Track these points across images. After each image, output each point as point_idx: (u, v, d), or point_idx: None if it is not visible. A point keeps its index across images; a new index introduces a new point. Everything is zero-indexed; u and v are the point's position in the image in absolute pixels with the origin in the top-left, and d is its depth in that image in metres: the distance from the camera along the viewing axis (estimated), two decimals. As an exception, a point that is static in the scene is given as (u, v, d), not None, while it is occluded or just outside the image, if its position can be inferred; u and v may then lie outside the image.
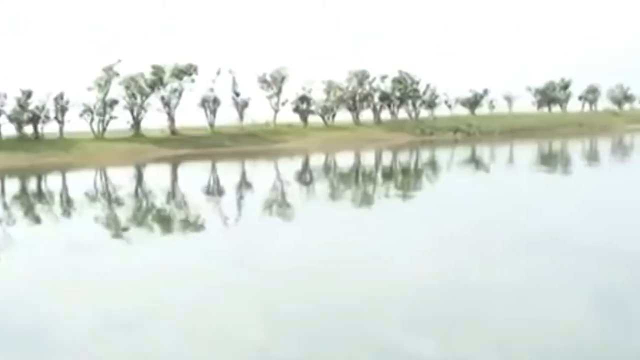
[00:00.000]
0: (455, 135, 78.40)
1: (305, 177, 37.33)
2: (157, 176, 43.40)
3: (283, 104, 78.51)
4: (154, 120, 70.92)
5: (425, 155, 53.26)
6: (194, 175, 42.86)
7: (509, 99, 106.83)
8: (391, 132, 77.45)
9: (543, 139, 68.90)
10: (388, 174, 37.88)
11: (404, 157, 51.50)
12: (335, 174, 38.73)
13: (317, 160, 50.74)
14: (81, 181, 41.07)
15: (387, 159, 51.64)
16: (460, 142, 68.68)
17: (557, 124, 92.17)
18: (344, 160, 50.77)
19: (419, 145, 63.97)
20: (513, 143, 64.08)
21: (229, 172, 43.65)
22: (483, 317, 9.97)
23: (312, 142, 67.43)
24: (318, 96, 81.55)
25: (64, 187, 38.24)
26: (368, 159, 51.94)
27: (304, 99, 79.76)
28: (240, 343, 9.25)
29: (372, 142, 68.40)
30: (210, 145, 64.05)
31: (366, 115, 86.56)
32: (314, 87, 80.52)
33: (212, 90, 72.70)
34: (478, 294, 11.10)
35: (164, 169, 48.97)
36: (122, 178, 41.31)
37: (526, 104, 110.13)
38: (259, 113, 78.28)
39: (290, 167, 46.50)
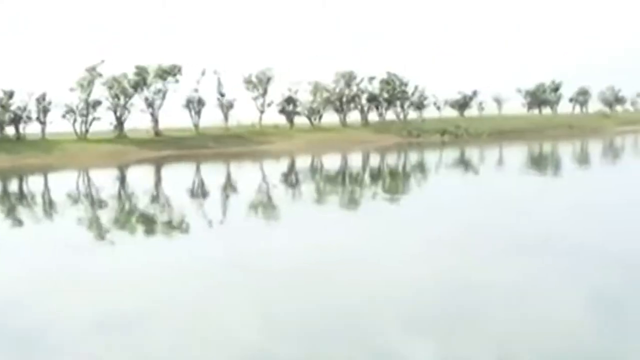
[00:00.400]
0: (443, 137, 79.09)
1: (288, 179, 37.60)
2: (136, 178, 43.62)
3: (269, 105, 79.25)
4: (139, 121, 71.58)
5: (410, 157, 53.69)
6: (174, 178, 43.18)
7: (498, 101, 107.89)
8: (378, 133, 78.13)
9: (532, 141, 69.55)
10: (372, 177, 38.24)
11: (389, 159, 51.94)
12: (318, 177, 38.95)
13: (301, 162, 51.07)
14: (61, 183, 41.31)
15: (372, 161, 52.16)
16: (448, 144, 69.21)
17: (547, 126, 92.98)
18: (329, 162, 51.35)
19: (406, 147, 64.56)
20: (501, 145, 64.66)
21: (210, 174, 43.90)
22: (465, 318, 10.17)
23: (297, 144, 68.01)
24: (305, 97, 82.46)
25: (46, 189, 38.40)
26: (353, 161, 52.40)
27: (290, 100, 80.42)
28: (223, 343, 9.50)
29: (358, 143, 69.14)
30: (194, 146, 64.49)
31: (353, 116, 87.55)
32: (300, 88, 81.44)
33: (196, 91, 73.32)
34: (459, 296, 11.34)
35: (145, 171, 49.26)
36: (101, 180, 41.57)
37: (516, 106, 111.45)
38: (245, 114, 79.12)
39: (273, 169, 46.89)
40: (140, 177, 43.93)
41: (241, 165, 50.62)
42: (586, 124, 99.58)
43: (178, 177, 43.33)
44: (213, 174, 43.58)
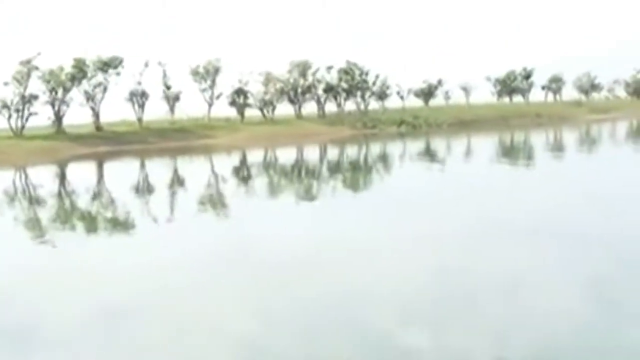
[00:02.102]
0: (400, 128, 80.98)
1: (232, 174, 38.55)
2: (70, 176, 44.72)
3: (217, 97, 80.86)
4: (80, 116, 72.77)
5: (358, 150, 55.25)
6: (111, 175, 44.18)
7: (466, 90, 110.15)
8: (332, 125, 79.79)
9: (494, 131, 71.31)
10: (309, 171, 39.12)
11: (336, 153, 53.46)
12: (248, 173, 40.07)
13: (243, 157, 52.44)
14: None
15: (318, 155, 53.24)
16: (405, 136, 70.83)
17: (514, 115, 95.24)
18: (265, 155, 52.89)
19: (361, 140, 65.93)
20: (459, 136, 66.40)
21: (151, 170, 44.76)
22: (413, 310, 10.84)
23: (245, 137, 69.44)
24: (257, 89, 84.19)
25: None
26: (298, 154, 53.43)
27: (240, 91, 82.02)
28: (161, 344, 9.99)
29: (308, 136, 70.69)
30: (136, 141, 66.01)
31: (311, 108, 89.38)
32: (251, 79, 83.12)
33: (139, 83, 74.84)
34: (405, 289, 12.00)
35: (80, 168, 50.36)
36: (33, 178, 42.77)
37: (486, 95, 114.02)
38: (195, 107, 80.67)
39: (217, 164, 48.15)
40: (74, 175, 44.71)
41: (179, 162, 51.48)
42: (556, 112, 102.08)
43: (116, 174, 44.06)
44: (154, 170, 44.28)
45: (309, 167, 42.18)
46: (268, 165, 44.55)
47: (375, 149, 55.54)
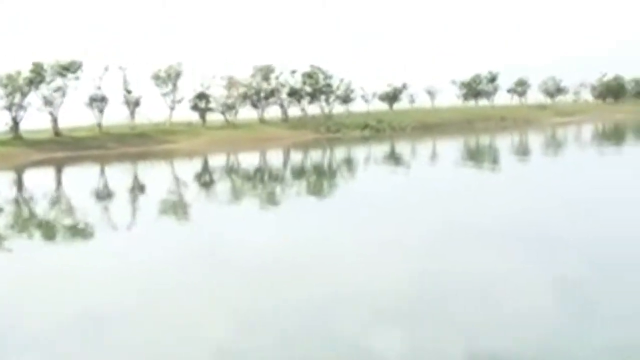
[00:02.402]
0: (363, 132, 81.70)
1: (180, 182, 38.73)
2: (26, 182, 44.98)
3: (179, 101, 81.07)
4: (40, 122, 72.50)
5: (320, 154, 55.66)
6: (67, 181, 44.24)
7: (431, 93, 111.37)
8: (295, 129, 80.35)
9: (459, 135, 72.55)
10: (265, 177, 39.36)
11: (299, 157, 53.77)
12: (207, 178, 40.42)
13: (201, 163, 52.82)
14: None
15: (280, 159, 53.73)
16: (370, 139, 71.53)
17: (479, 118, 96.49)
18: (226, 160, 53.30)
19: (324, 144, 66.35)
20: (424, 139, 67.29)
21: (111, 176, 44.99)
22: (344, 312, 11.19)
23: (205, 142, 69.79)
24: (220, 93, 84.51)
25: None
26: (254, 159, 53.35)
27: (202, 96, 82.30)
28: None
29: (270, 140, 71.21)
30: (95, 147, 65.96)
31: (275, 112, 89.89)
32: (214, 83, 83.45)
33: (99, 88, 74.80)
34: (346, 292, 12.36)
35: (36, 175, 50.25)
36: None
37: (452, 98, 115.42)
38: (157, 112, 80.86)
39: (168, 171, 48.47)
40: (31, 182, 44.80)
41: (142, 167, 51.53)
42: (520, 115, 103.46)
43: (74, 180, 44.10)
44: (112, 176, 44.43)
45: (270, 172, 42.59)
46: (228, 170, 44.93)
47: (337, 153, 56.11)
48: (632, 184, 25.48)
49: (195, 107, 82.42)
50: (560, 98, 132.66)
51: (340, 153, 55.72)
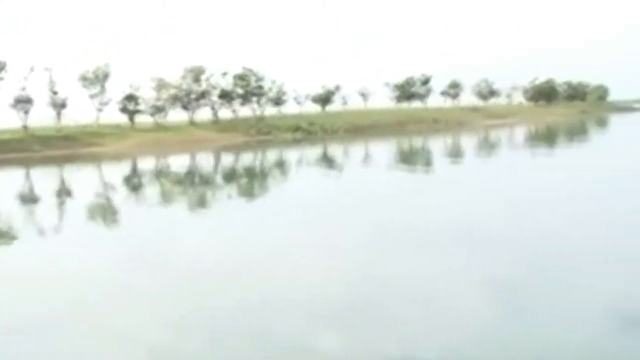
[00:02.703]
0: (295, 135, 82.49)
1: (105, 186, 38.77)
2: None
3: (106, 103, 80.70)
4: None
5: (243, 158, 56.13)
6: None
7: (364, 95, 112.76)
8: (226, 132, 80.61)
9: (391, 137, 74.03)
10: (185, 181, 39.82)
11: (228, 160, 54.34)
12: (133, 182, 40.54)
13: (125, 166, 52.84)
14: None
15: (209, 162, 54.11)
16: (301, 142, 72.29)
17: (413, 120, 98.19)
18: (152, 164, 53.54)
19: (255, 146, 66.85)
20: (355, 142, 68.48)
21: (31, 181, 44.82)
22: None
23: (133, 145, 69.57)
24: (149, 95, 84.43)
25: None
26: (181, 162, 53.73)
27: (130, 97, 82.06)
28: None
29: (200, 143, 71.61)
30: (19, 149, 65.05)
31: (205, 114, 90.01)
32: (143, 85, 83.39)
33: (24, 89, 74.05)
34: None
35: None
36: None
37: (386, 100, 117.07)
38: (84, 114, 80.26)
39: (94, 174, 48.32)
40: None
41: (67, 171, 51.18)
42: (453, 117, 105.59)
43: None
44: (36, 180, 44.26)
45: (199, 174, 42.96)
46: (157, 174, 45.03)
47: (267, 155, 56.81)
48: (559, 185, 26.72)
49: (124, 109, 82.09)
50: (493, 100, 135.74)
51: (270, 155, 56.39)
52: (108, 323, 11.46)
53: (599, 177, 29.02)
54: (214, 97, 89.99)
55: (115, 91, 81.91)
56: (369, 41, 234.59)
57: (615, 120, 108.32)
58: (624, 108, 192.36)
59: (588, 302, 11.34)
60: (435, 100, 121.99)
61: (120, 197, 32.24)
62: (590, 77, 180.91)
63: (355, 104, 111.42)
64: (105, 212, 27.18)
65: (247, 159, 54.42)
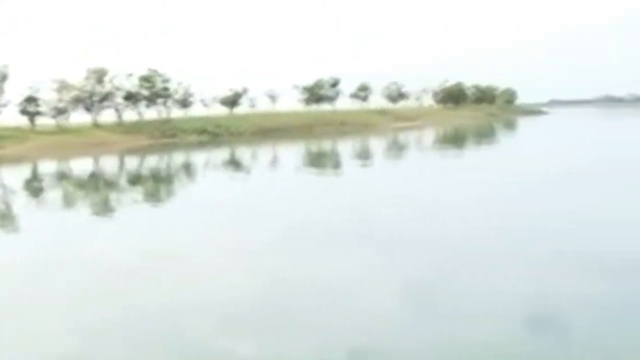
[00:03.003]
0: (200, 137, 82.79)
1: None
2: None
3: (5, 105, 79.40)
4: None
5: (147, 161, 56.16)
6: None
7: (272, 97, 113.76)
8: (130, 134, 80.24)
9: (298, 140, 75.06)
10: (86, 185, 40.00)
11: (131, 163, 54.36)
12: (33, 186, 40.61)
13: (25, 170, 52.04)
14: None
15: (105, 166, 53.82)
16: (207, 144, 72.49)
17: (319, 123, 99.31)
18: (53, 167, 52.90)
19: (160, 149, 66.86)
20: (262, 144, 69.02)
21: None
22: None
23: (33, 148, 68.44)
24: (51, 96, 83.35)
25: None
26: (83, 166, 53.41)
27: (31, 99, 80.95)
28: None
29: (102, 145, 71.28)
30: None
31: (110, 116, 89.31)
32: (44, 86, 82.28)
33: None
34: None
35: None
36: None
37: (295, 103, 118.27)
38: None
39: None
40: None
41: None
42: (361, 120, 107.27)
43: None
44: None
45: (101, 178, 42.73)
46: (58, 177, 44.38)
47: (170, 158, 56.84)
48: (462, 187, 28.00)
49: (24, 111, 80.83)
50: (402, 103, 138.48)
51: (174, 158, 56.49)
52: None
53: (496, 179, 30.67)
54: (119, 99, 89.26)
55: (15, 93, 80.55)
56: (279, 43, 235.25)
57: (523, 123, 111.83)
58: (532, 111, 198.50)
59: (476, 301, 11.99)
60: (345, 103, 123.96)
61: (19, 201, 31.94)
62: (500, 81, 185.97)
63: (264, 106, 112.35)
64: (1, 217, 26.94)
65: (151, 161, 54.30)
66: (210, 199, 28.94)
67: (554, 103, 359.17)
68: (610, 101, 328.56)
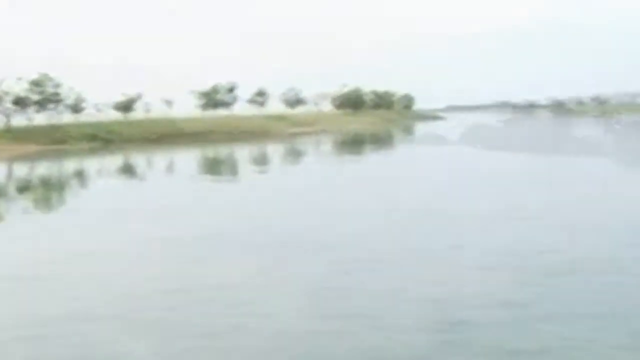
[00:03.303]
0: (92, 144, 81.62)
1: None
2: None
3: None
4: None
5: (36, 169, 55.15)
6: None
7: (168, 103, 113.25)
8: (17, 141, 78.26)
9: (193, 146, 75.05)
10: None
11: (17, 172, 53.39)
12: None
13: None
14: None
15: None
16: (98, 151, 71.76)
17: (215, 129, 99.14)
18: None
19: (50, 156, 65.74)
20: (154, 151, 68.94)
21: None
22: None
23: None
24: None
25: None
26: None
27: None
28: None
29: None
30: None
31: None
32: None
33: None
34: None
35: None
36: None
37: (192, 108, 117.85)
38: None
39: None
40: None
41: None
42: (257, 126, 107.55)
43: None
44: None
45: None
46: None
47: (59, 166, 56.14)
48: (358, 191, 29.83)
49: None
50: (300, 108, 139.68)
51: (60, 167, 55.69)
52: None
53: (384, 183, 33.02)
54: (7, 104, 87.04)
55: None
56: (174, 50, 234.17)
57: (419, 128, 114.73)
58: (429, 116, 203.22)
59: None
60: (243, 109, 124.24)
61: None
62: (398, 87, 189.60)
63: (160, 112, 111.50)
64: None
65: (39, 170, 53.46)
66: (95, 208, 28.88)
67: (451, 109, 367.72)
68: (506, 107, 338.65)
